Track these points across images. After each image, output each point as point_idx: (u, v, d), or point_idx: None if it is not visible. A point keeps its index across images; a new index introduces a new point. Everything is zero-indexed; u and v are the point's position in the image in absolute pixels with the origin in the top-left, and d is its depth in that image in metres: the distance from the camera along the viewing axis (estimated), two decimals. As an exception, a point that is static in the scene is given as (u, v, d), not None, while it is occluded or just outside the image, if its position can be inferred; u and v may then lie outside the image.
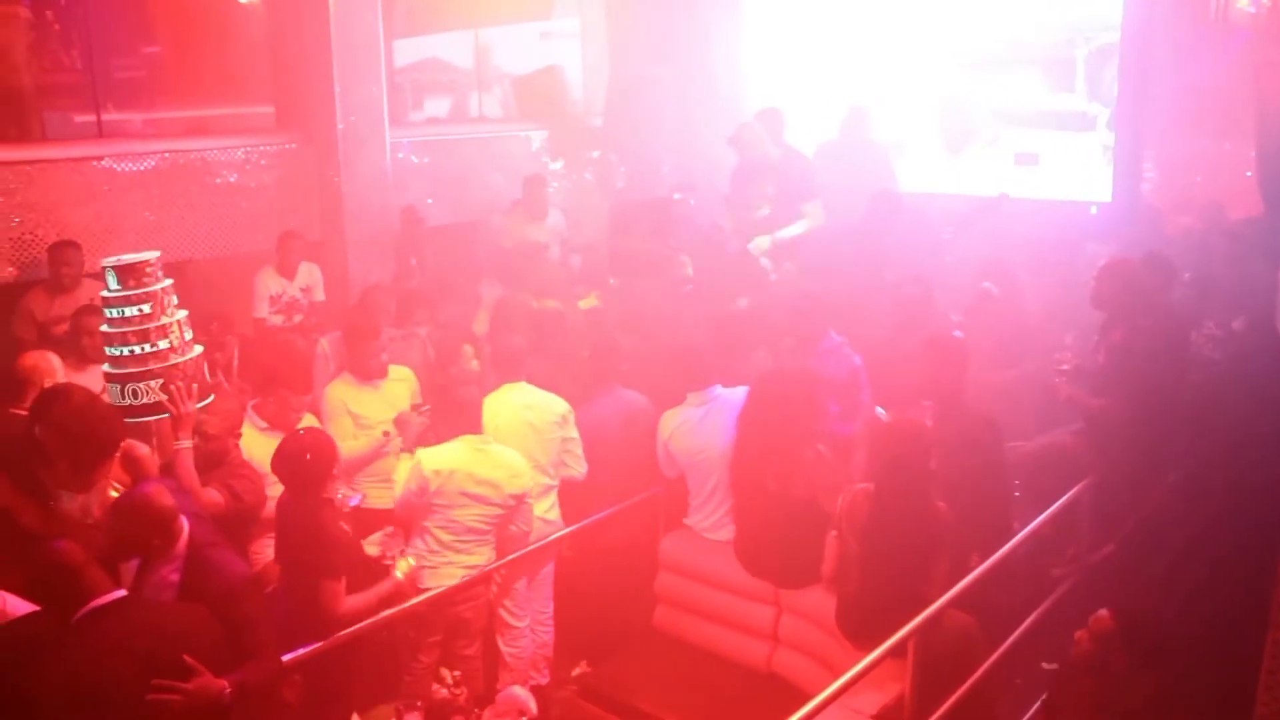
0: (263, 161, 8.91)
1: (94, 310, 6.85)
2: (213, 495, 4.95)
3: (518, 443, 5.75)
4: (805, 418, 5.50)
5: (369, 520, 5.83)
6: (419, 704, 5.08)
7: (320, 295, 8.47)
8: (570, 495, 6.12)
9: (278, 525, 5.04)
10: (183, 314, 5.03)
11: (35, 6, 8.52)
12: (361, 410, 6.18)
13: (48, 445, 4.60)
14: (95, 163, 8.03)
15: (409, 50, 10.66)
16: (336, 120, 8.99)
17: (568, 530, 6.04)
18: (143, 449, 4.75)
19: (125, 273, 4.87)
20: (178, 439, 4.82)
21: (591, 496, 6.14)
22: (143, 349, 4.86)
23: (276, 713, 4.89)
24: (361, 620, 4.91)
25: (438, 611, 5.49)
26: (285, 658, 4.54)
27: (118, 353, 4.90)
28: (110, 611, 3.74)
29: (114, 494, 4.52)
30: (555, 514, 6.05)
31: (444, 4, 11.14)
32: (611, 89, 11.54)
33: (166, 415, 4.84)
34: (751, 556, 5.61)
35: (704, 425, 5.84)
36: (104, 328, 4.97)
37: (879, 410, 5.91)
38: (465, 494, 5.41)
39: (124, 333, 4.87)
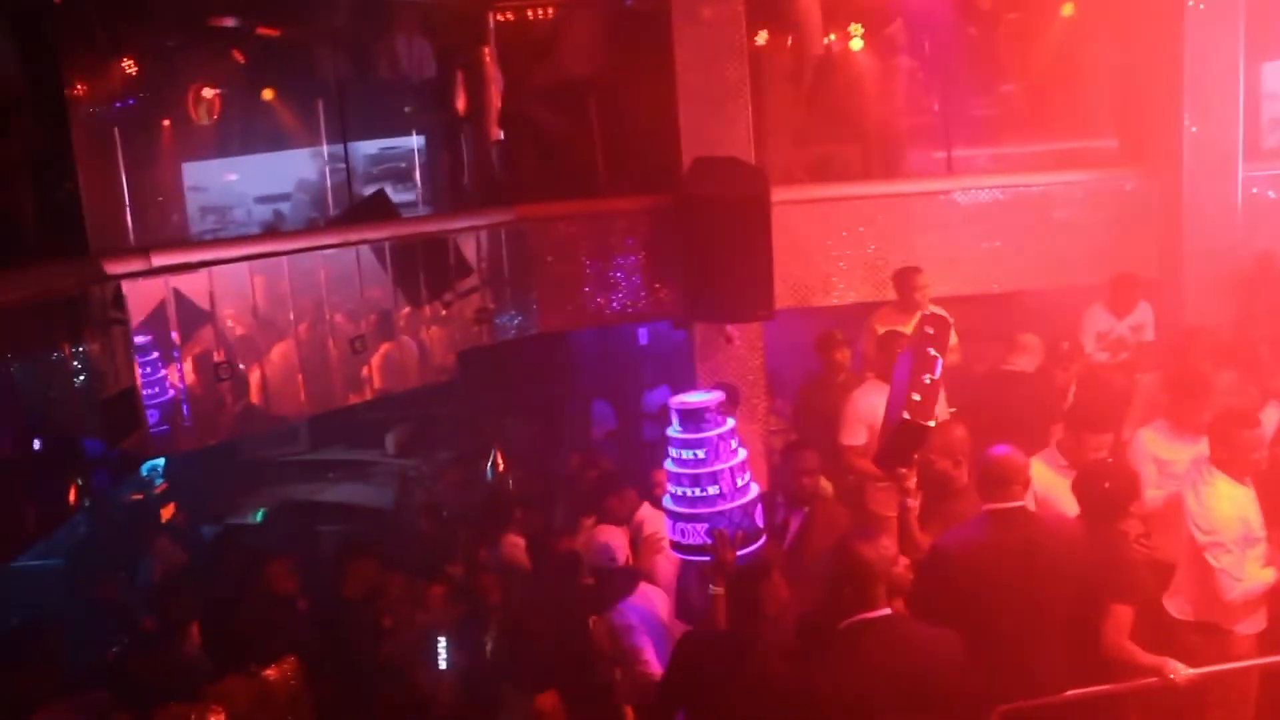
0: (1101, 195, 8.84)
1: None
2: None
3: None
4: None
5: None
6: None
7: (1149, 335, 8.19)
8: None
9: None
10: (742, 454, 5.15)
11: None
12: (1172, 457, 5.85)
13: None
14: (942, 196, 8.65)
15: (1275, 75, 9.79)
16: (1182, 154, 8.62)
17: None
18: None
19: (687, 417, 5.08)
20: (714, 585, 4.75)
21: None
22: (694, 492, 5.05)
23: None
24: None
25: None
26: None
27: (677, 491, 5.14)
28: (876, 626, 4.06)
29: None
30: None
31: None
32: None
33: (707, 559, 4.90)
34: None
35: None
36: (667, 464, 5.21)
37: None
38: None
39: (680, 474, 5.11)
